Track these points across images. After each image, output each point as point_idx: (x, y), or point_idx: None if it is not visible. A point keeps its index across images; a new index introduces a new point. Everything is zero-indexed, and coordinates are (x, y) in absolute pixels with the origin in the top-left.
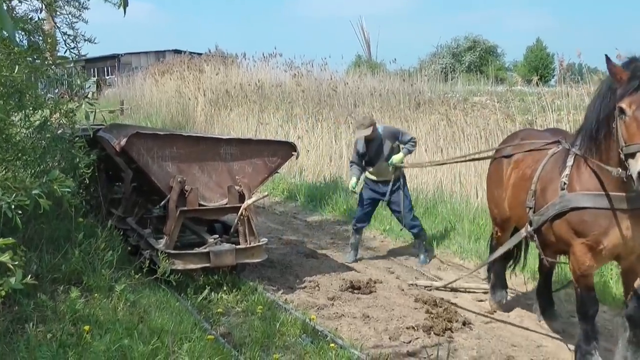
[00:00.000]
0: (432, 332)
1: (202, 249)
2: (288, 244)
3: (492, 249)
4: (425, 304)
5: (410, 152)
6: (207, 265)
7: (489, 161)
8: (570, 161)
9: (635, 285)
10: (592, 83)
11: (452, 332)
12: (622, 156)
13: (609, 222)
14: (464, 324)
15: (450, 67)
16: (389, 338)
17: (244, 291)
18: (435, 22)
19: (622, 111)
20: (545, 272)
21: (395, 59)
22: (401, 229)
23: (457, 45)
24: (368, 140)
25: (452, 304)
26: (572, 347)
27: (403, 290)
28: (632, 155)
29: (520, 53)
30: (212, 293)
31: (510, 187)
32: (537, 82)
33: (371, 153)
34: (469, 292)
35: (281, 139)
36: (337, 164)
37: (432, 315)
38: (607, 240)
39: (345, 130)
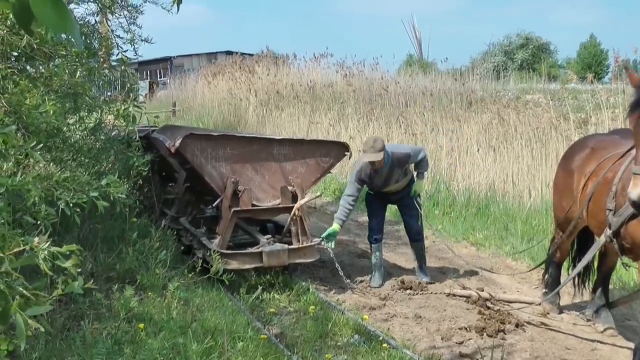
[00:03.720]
0: (485, 334)
1: (254, 249)
2: (340, 244)
3: (552, 256)
4: (477, 304)
5: (426, 172)
6: (260, 265)
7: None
8: None
9: None
10: None
11: (504, 333)
12: None
13: None
14: (516, 325)
15: (502, 65)
16: (442, 339)
17: (296, 291)
18: (486, 18)
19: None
20: (604, 272)
21: (446, 58)
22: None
23: (509, 42)
24: (374, 169)
25: (503, 304)
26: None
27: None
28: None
29: (573, 50)
30: (265, 293)
31: (590, 196)
32: (591, 80)
33: (378, 182)
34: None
35: (333, 139)
36: None
37: (484, 317)
38: None
39: (396, 130)
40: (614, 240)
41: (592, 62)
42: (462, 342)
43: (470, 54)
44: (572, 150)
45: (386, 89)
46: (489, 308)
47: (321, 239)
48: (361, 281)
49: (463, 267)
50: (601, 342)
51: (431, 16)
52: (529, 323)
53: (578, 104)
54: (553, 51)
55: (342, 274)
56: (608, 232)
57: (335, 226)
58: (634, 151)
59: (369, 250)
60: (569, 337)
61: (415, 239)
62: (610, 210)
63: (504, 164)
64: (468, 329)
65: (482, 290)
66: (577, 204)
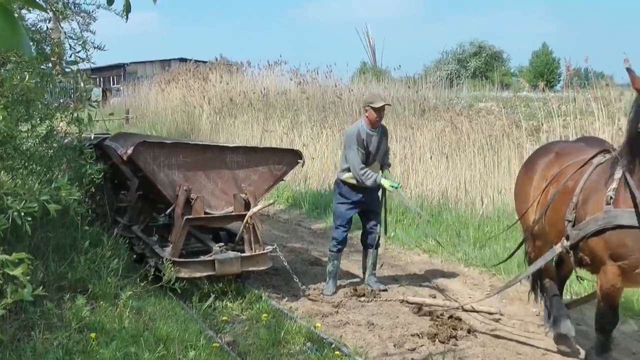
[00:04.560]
0: (437, 340)
1: (207, 257)
2: (292, 251)
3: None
4: (430, 311)
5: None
6: (212, 273)
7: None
8: (618, 173)
9: None
10: (599, 87)
11: (456, 339)
12: None
13: None
14: (468, 331)
15: (455, 73)
16: (394, 345)
17: (249, 299)
18: (440, 27)
19: None
20: (560, 278)
21: (400, 66)
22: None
23: (462, 51)
24: (371, 132)
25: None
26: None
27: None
28: None
29: (525, 58)
30: (217, 301)
31: (549, 203)
32: (543, 88)
33: (372, 149)
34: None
35: (287, 146)
36: None
37: (436, 323)
38: None
39: None
40: (570, 252)
41: (544, 71)
42: (415, 349)
43: (424, 62)
44: (535, 156)
45: (340, 97)
46: (441, 315)
47: (395, 187)
48: (314, 289)
49: (417, 272)
50: (551, 351)
51: (384, 23)
52: (480, 330)
53: (530, 111)
54: (506, 59)
55: (297, 280)
56: (565, 243)
57: (386, 181)
58: (595, 160)
59: (325, 258)
60: (520, 342)
61: (373, 245)
62: (570, 221)
63: (456, 171)
64: (420, 335)
65: (435, 297)
66: (535, 207)
